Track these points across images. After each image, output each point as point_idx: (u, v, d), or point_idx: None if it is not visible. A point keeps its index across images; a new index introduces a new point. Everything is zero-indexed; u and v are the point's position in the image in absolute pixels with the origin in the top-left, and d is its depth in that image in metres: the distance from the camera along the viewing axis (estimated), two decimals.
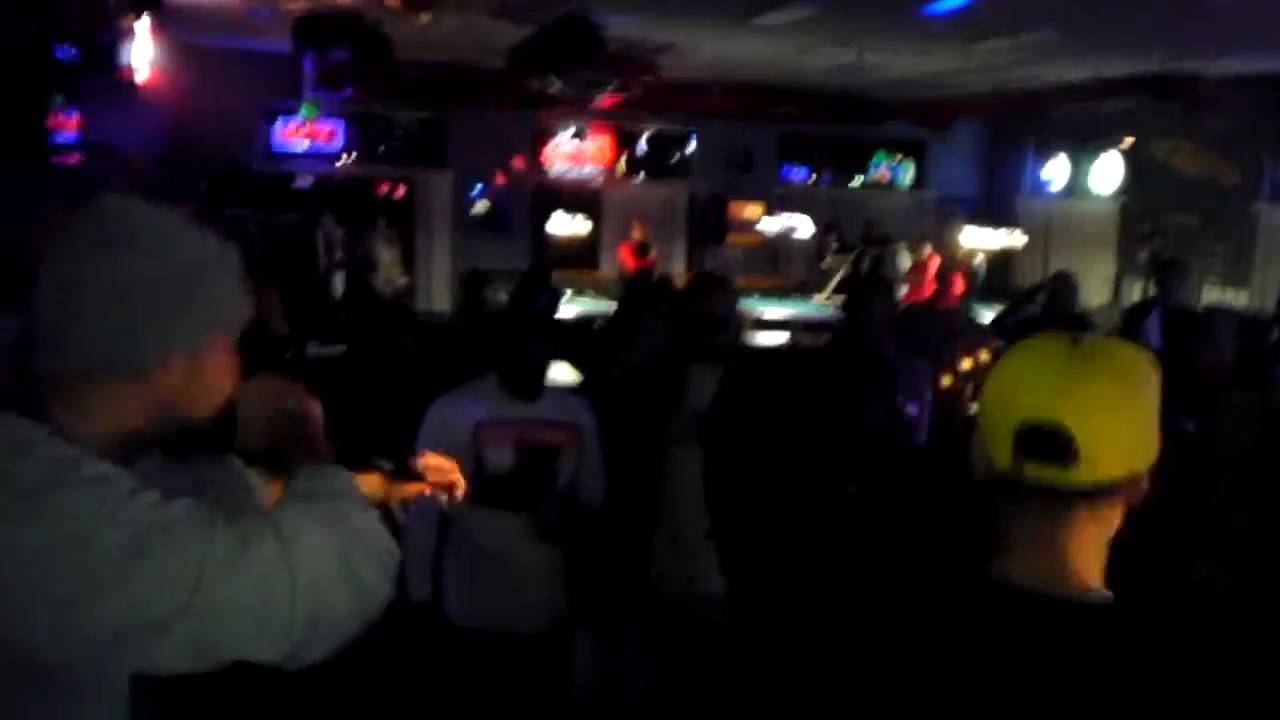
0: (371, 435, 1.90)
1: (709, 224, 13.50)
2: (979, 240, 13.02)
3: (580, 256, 13.26)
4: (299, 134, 12.27)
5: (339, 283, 11.33)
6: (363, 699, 4.00)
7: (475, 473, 3.39)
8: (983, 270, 12.67)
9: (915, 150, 14.71)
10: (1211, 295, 10.71)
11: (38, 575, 1.18)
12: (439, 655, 3.61)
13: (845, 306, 5.43)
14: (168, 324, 1.36)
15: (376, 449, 1.76)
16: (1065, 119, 12.47)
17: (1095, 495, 1.37)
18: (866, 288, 5.42)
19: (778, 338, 9.58)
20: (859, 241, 13.04)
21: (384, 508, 1.61)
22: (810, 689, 1.55)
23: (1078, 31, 8.29)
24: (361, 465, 1.63)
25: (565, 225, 13.41)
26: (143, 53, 8.28)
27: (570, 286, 10.95)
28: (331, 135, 12.40)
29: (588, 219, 13.50)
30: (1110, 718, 1.31)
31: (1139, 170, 12.27)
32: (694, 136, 13.78)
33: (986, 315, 9.34)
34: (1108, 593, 1.42)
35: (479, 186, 12.88)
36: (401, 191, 13.07)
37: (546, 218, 13.35)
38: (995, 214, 13.64)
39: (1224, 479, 3.23)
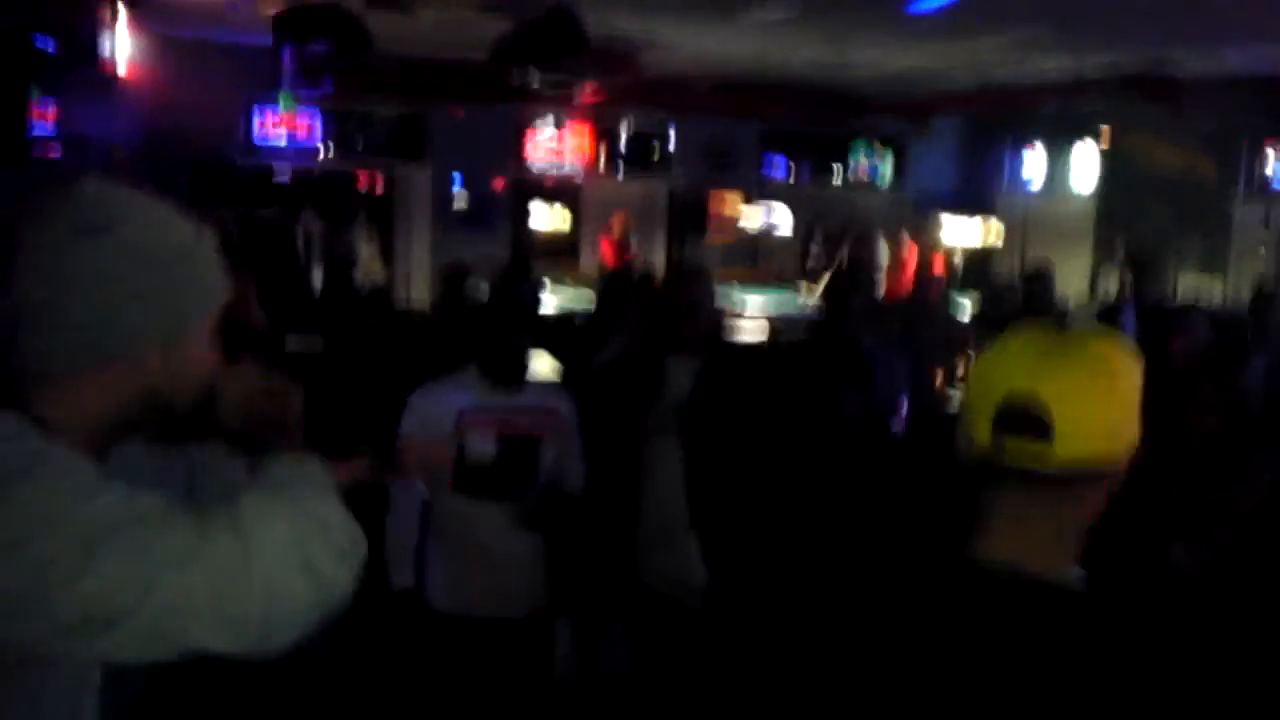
0: (351, 427, 1.91)
1: (689, 218, 13.51)
2: (957, 235, 13.09)
3: (560, 250, 13.24)
4: (279, 128, 12.22)
5: (319, 276, 11.29)
6: (346, 685, 4.02)
7: (457, 462, 3.41)
8: (961, 265, 12.73)
9: (895, 146, 14.76)
10: (1186, 290, 10.79)
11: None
12: (421, 642, 3.63)
13: (825, 299, 5.47)
14: (148, 310, 1.36)
15: (357, 440, 1.77)
16: (1044, 115, 12.54)
17: (1072, 476, 1.40)
18: (846, 281, 5.47)
19: (758, 330, 9.61)
20: (839, 237, 13.08)
21: (365, 494, 1.62)
22: (790, 676, 1.57)
23: (1064, 27, 8.33)
24: (343, 454, 1.64)
25: (546, 219, 13.39)
26: (122, 45, 8.24)
27: (551, 280, 10.94)
28: (311, 129, 12.34)
29: (568, 213, 13.49)
30: (1079, 699, 1.34)
31: (1116, 166, 12.35)
32: (675, 131, 13.79)
33: (964, 309, 9.41)
34: (1081, 574, 1.45)
35: (459, 180, 12.85)
36: (381, 185, 13.03)
37: (527, 212, 13.33)
38: (974, 209, 13.69)
39: (1194, 467, 3.28)
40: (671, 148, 13.90)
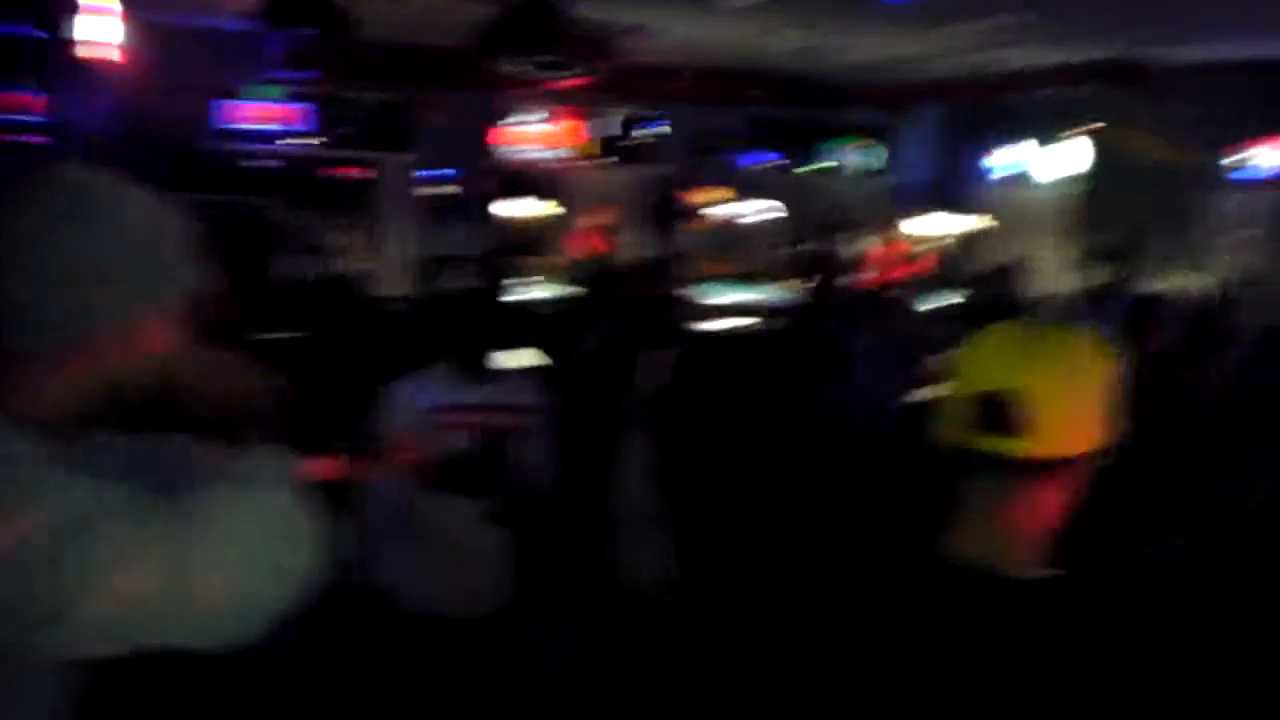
0: (327, 418, 1.90)
1: (672, 209, 13.50)
2: (938, 226, 13.11)
3: (541, 241, 13.20)
4: (260, 115, 12.14)
5: (297, 265, 11.22)
6: (313, 681, 4.00)
7: (430, 457, 3.40)
8: (940, 257, 12.75)
9: (878, 135, 14.76)
10: (1166, 281, 10.85)
11: None
12: (389, 638, 3.61)
13: (804, 290, 5.48)
14: (120, 295, 1.35)
15: (333, 431, 1.76)
16: (1026, 105, 12.57)
17: (1043, 469, 1.42)
18: (824, 272, 5.47)
19: (736, 321, 9.61)
20: (819, 227, 13.09)
21: (336, 489, 1.61)
22: (761, 671, 1.58)
23: (1044, 15, 8.35)
24: (319, 447, 1.63)
25: (527, 209, 13.35)
26: (102, 30, 8.18)
27: (531, 271, 10.91)
28: (292, 116, 12.26)
29: (550, 203, 13.45)
30: (1041, 689, 1.35)
31: (1097, 156, 12.40)
32: (660, 121, 13.77)
33: (945, 300, 9.43)
34: (1051, 569, 1.46)
35: (443, 169, 12.80)
36: (363, 173, 12.96)
37: (507, 202, 13.29)
38: (955, 199, 13.71)
39: (1187, 461, 3.30)
40: (656, 137, 13.89)
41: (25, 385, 1.33)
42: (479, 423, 3.48)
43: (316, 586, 1.39)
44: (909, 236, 12.55)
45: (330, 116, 12.51)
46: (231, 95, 11.89)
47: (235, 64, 10.86)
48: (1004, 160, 13.75)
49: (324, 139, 12.47)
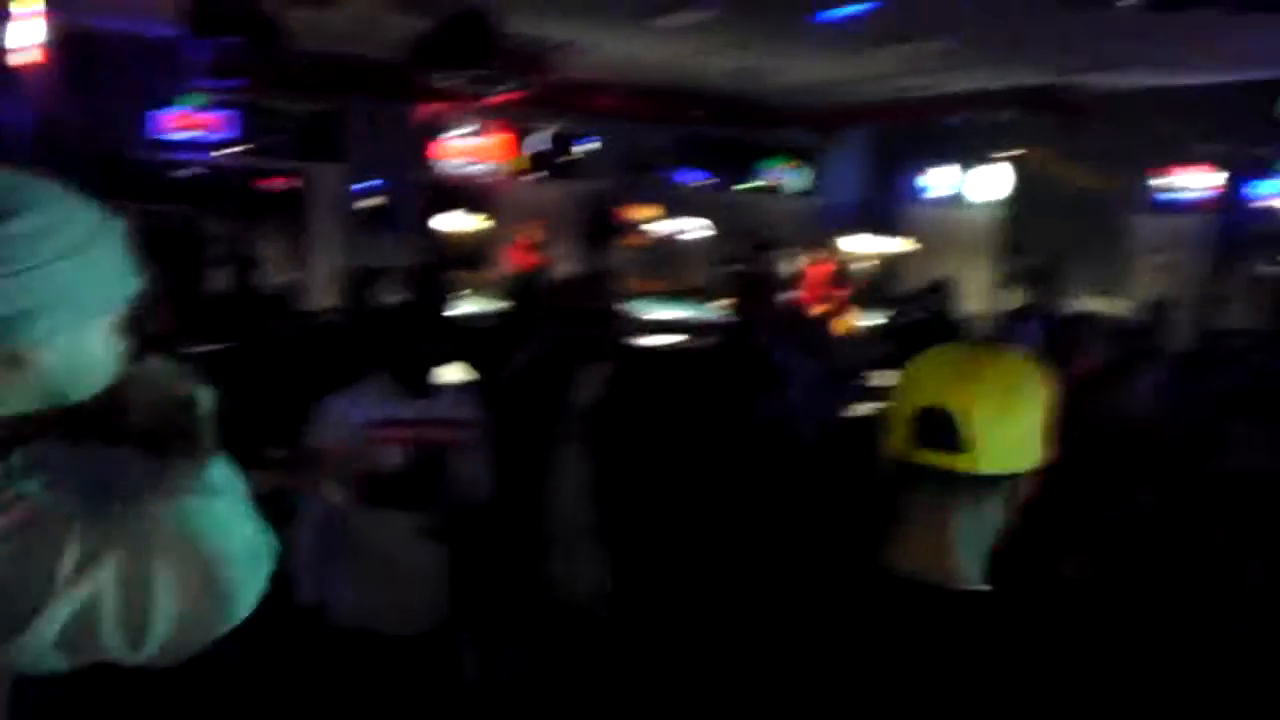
0: (259, 430, 1.89)
1: (603, 225, 13.52)
2: (867, 246, 13.31)
3: (472, 255, 13.15)
4: (185, 123, 11.95)
5: (223, 277, 11.05)
6: (247, 699, 3.93)
7: (365, 472, 3.37)
8: (869, 276, 12.94)
9: (808, 156, 14.94)
10: (1085, 302, 11.10)
11: None
12: (323, 656, 3.56)
13: (735, 308, 5.52)
14: (54, 303, 1.31)
15: (265, 444, 1.75)
16: (952, 129, 12.82)
17: (980, 486, 1.46)
18: (756, 290, 5.52)
19: (669, 339, 9.64)
20: (750, 245, 13.20)
21: (271, 503, 1.60)
22: (696, 684, 1.59)
23: (973, 42, 8.53)
24: (253, 457, 1.61)
25: (458, 223, 13.29)
26: (24, 34, 8.02)
27: (462, 285, 10.85)
28: (219, 125, 12.08)
29: (481, 217, 13.40)
30: (979, 701, 1.38)
31: (1021, 180, 12.69)
32: (591, 138, 13.80)
33: (872, 319, 9.56)
34: (982, 584, 1.50)
35: (372, 181, 12.70)
36: (290, 184, 12.81)
37: (439, 215, 13.22)
38: (883, 221, 13.93)
39: (1085, 480, 3.37)
40: (587, 153, 13.91)
41: None
42: (414, 437, 3.46)
43: (261, 603, 1.38)
44: (838, 256, 12.70)
45: (259, 126, 12.35)
46: (160, 103, 11.70)
47: (163, 72, 10.69)
48: (931, 183, 14.00)
49: (253, 148, 12.31)
